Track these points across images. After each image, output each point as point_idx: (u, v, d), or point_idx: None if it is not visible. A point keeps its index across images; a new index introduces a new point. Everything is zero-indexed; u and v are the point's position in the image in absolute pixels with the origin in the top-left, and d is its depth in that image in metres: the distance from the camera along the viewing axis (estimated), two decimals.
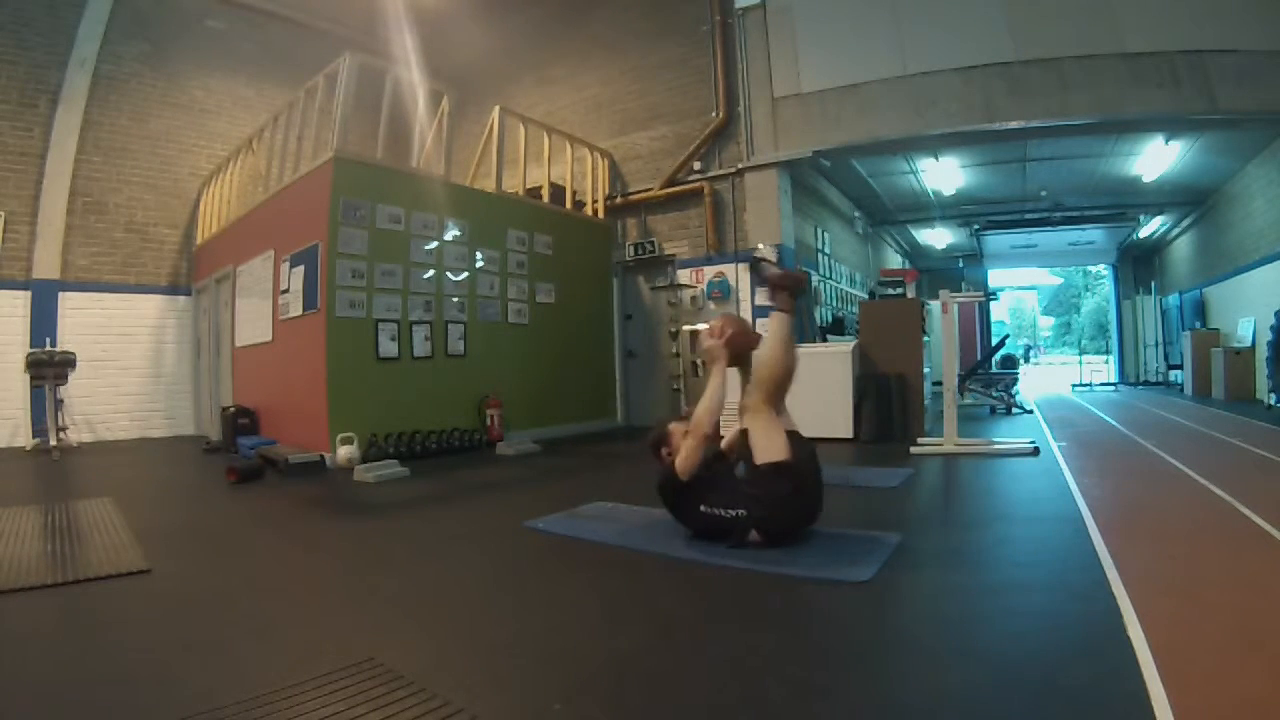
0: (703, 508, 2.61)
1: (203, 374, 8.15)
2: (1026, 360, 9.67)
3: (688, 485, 2.63)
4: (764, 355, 2.62)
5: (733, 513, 2.53)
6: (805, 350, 6.51)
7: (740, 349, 2.75)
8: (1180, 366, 11.22)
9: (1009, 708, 1.38)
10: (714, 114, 7.72)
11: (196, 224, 8.48)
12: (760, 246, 7.36)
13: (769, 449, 2.51)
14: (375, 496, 4.11)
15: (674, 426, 2.81)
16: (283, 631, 1.93)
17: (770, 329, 2.66)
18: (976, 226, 12.50)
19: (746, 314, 7.54)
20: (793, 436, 2.58)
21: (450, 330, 6.12)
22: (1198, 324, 10.59)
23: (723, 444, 2.84)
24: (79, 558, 2.67)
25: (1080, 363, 15.53)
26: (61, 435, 6.83)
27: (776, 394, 2.59)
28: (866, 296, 9.51)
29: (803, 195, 8.37)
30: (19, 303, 7.27)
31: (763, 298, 2.68)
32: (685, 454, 2.62)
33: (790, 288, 2.70)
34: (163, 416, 8.21)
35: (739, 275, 7.60)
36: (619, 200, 8.36)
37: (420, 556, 2.82)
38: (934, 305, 5.75)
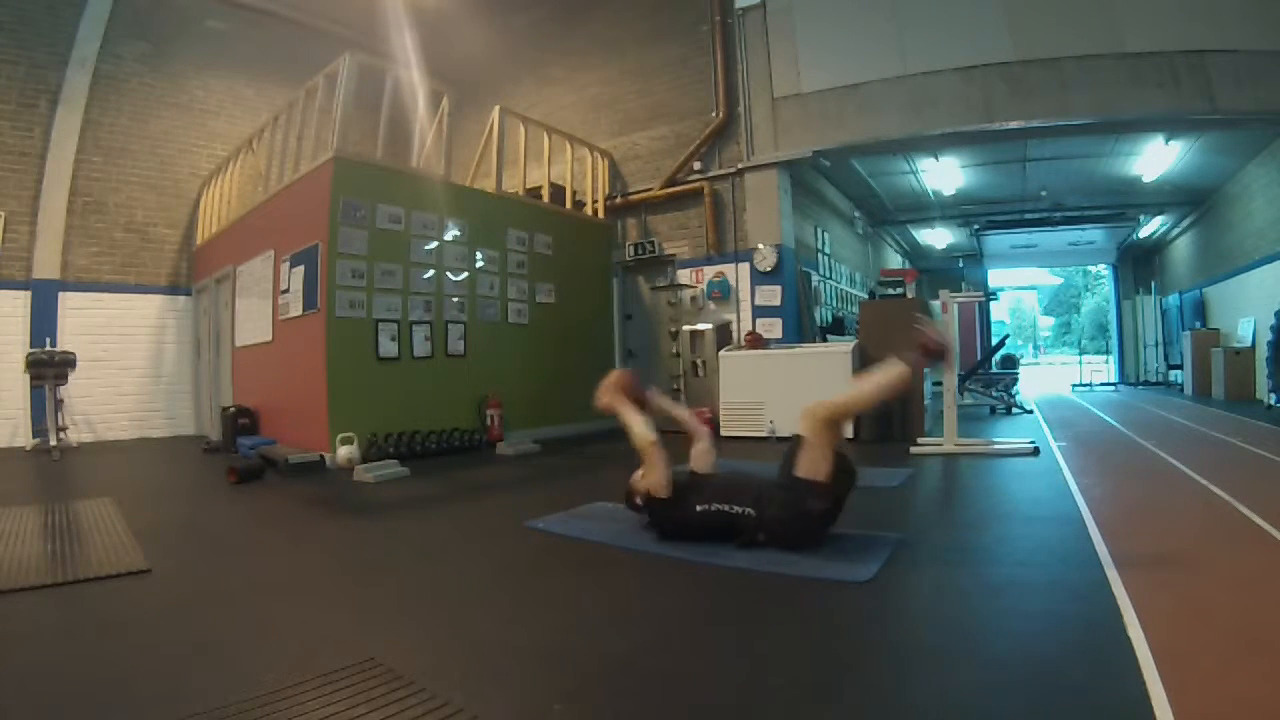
0: (699, 507, 2.60)
1: (203, 374, 8.15)
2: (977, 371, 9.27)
3: (671, 498, 2.68)
4: (864, 385, 2.56)
5: (739, 509, 2.53)
6: (805, 350, 6.54)
7: (632, 394, 2.94)
8: (1180, 366, 11.22)
9: (1009, 708, 1.38)
10: (714, 114, 7.73)
11: (196, 224, 8.47)
12: (760, 246, 7.36)
13: (815, 468, 2.45)
14: (375, 496, 4.11)
15: (633, 478, 2.91)
16: (283, 631, 1.93)
17: (888, 368, 2.55)
18: (976, 226, 12.51)
19: (746, 314, 7.55)
20: (840, 457, 2.51)
21: (450, 330, 6.11)
22: (1198, 324, 10.59)
23: (691, 463, 2.93)
24: (79, 558, 2.67)
25: (1080, 363, 15.53)
26: (61, 435, 6.83)
27: (845, 419, 2.56)
28: (866, 296, 9.51)
29: (803, 195, 8.37)
30: (19, 303, 7.27)
31: (913, 355, 2.62)
32: (649, 471, 2.71)
33: (935, 355, 2.66)
34: (163, 416, 8.21)
35: (739, 275, 7.61)
36: (619, 200, 8.36)
37: (420, 556, 2.82)
38: (934, 305, 5.75)
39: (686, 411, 3.27)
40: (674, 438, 2.97)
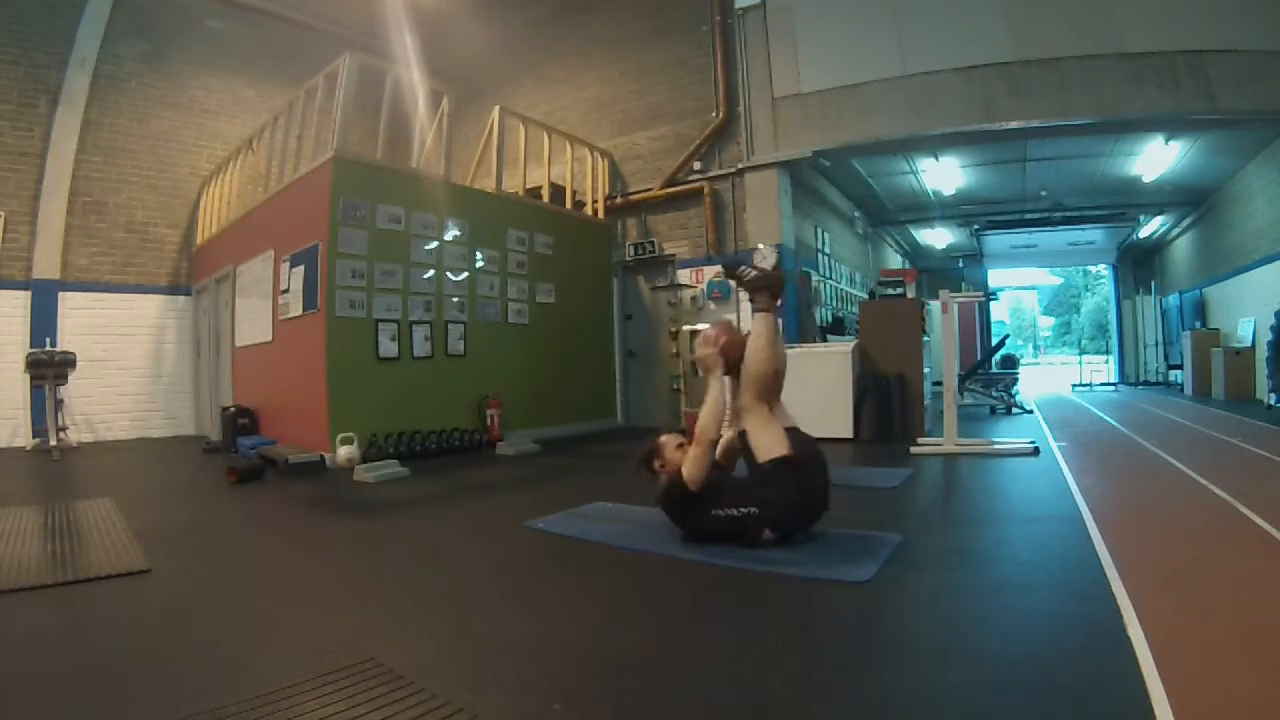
0: (715, 511, 2.59)
1: (203, 374, 8.15)
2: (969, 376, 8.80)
3: (696, 494, 2.60)
4: (750, 355, 2.62)
5: (744, 510, 2.53)
6: (805, 350, 6.54)
7: (735, 357, 2.71)
8: (1180, 366, 11.22)
9: (1009, 708, 1.38)
10: (714, 114, 7.72)
11: (196, 224, 8.48)
12: (760, 246, 7.36)
13: (769, 446, 2.52)
14: (375, 496, 4.11)
15: (665, 439, 2.83)
16: (283, 631, 1.93)
17: (754, 329, 2.66)
18: (976, 226, 12.51)
19: (746, 315, 7.54)
20: (793, 433, 2.59)
21: (450, 330, 6.11)
22: (1198, 324, 10.59)
23: (716, 453, 2.80)
24: (79, 558, 2.67)
25: (1080, 363, 15.53)
26: (61, 435, 6.83)
27: (767, 392, 2.61)
28: (866, 296, 9.51)
29: (803, 195, 8.37)
30: (19, 303, 7.27)
31: (756, 300, 2.67)
32: (691, 463, 2.58)
33: (768, 288, 2.67)
34: (163, 416, 8.21)
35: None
36: (619, 200, 8.36)
37: (420, 556, 2.82)
38: (934, 305, 5.75)
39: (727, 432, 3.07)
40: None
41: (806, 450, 2.56)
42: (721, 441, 2.81)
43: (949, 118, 6.65)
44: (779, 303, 2.63)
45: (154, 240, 8.31)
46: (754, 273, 2.67)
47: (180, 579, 2.47)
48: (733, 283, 2.68)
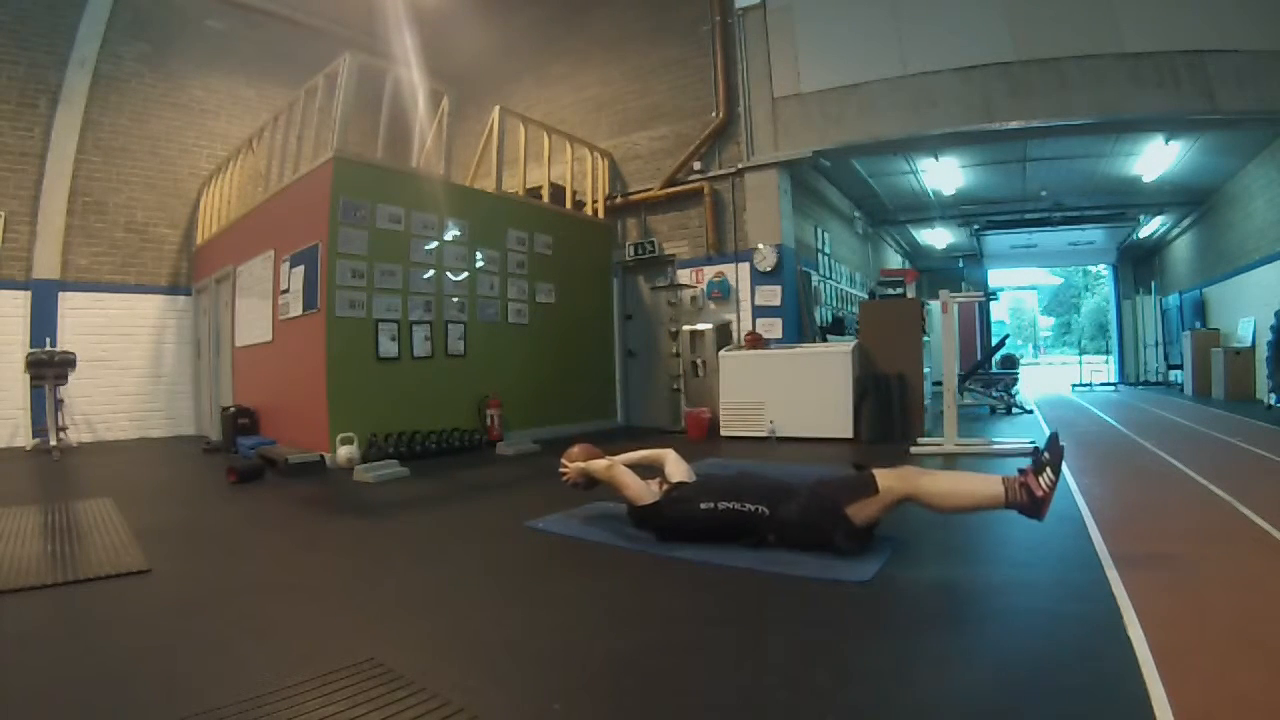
0: (703, 505, 2.60)
1: (203, 374, 8.15)
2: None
3: (662, 504, 2.73)
4: (955, 485, 2.48)
5: (751, 506, 2.52)
6: (805, 350, 6.54)
7: (592, 455, 3.21)
8: (1180, 366, 11.23)
9: (1009, 708, 1.38)
10: (714, 114, 7.72)
11: (196, 224, 8.48)
12: (760, 246, 7.36)
13: (862, 514, 2.41)
14: (375, 496, 4.11)
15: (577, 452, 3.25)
16: (283, 631, 1.93)
17: (981, 484, 2.42)
18: (976, 226, 12.51)
19: (746, 314, 7.55)
20: (879, 521, 2.50)
21: (450, 330, 6.12)
22: (1198, 324, 10.59)
23: (672, 480, 2.89)
24: (79, 558, 2.67)
25: (1080, 363, 15.53)
26: (61, 435, 6.83)
27: (906, 501, 2.45)
28: (866, 296, 9.51)
29: (803, 195, 8.37)
30: (19, 303, 7.27)
31: (1016, 495, 2.32)
32: (623, 490, 2.84)
33: (1033, 502, 2.31)
34: (163, 416, 8.21)
35: (739, 275, 7.61)
36: (619, 200, 8.36)
37: (420, 556, 2.82)
38: (934, 305, 5.75)
39: (639, 452, 3.29)
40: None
41: (867, 535, 2.49)
42: (667, 471, 3.00)
43: (949, 118, 6.65)
44: (1017, 503, 2.32)
45: (154, 240, 8.31)
46: (1046, 490, 2.28)
47: (180, 579, 2.47)
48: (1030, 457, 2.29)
